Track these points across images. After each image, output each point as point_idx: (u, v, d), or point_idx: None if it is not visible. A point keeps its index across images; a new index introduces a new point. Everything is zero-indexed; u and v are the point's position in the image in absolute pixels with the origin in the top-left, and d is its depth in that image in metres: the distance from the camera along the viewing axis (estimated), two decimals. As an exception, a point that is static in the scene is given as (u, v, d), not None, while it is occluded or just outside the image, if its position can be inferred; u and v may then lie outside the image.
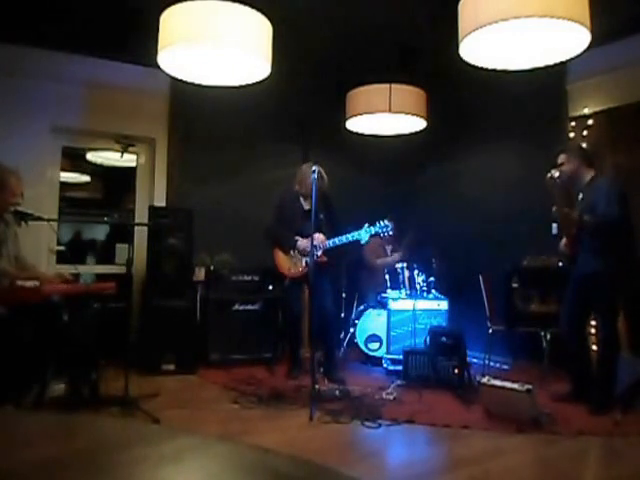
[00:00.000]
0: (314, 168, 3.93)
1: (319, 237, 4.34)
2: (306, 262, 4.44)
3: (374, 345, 5.18)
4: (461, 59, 3.22)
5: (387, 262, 5.57)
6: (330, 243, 4.41)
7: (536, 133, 5.17)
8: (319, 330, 4.32)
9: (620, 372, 3.70)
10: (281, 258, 4.60)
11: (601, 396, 3.64)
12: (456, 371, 4.23)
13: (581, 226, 3.68)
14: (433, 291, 5.17)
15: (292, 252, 4.53)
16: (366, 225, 4.39)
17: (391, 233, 4.42)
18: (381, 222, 4.39)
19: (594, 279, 3.69)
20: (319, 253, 4.38)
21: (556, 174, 3.83)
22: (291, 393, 4.00)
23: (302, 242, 4.45)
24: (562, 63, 3.35)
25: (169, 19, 3.23)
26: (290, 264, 4.55)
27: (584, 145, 4.65)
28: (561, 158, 3.92)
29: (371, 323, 5.24)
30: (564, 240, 3.96)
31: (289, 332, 4.83)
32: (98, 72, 5.18)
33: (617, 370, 3.69)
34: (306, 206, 4.56)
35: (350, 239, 4.39)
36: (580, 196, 3.89)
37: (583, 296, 3.80)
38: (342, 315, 5.53)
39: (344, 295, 5.63)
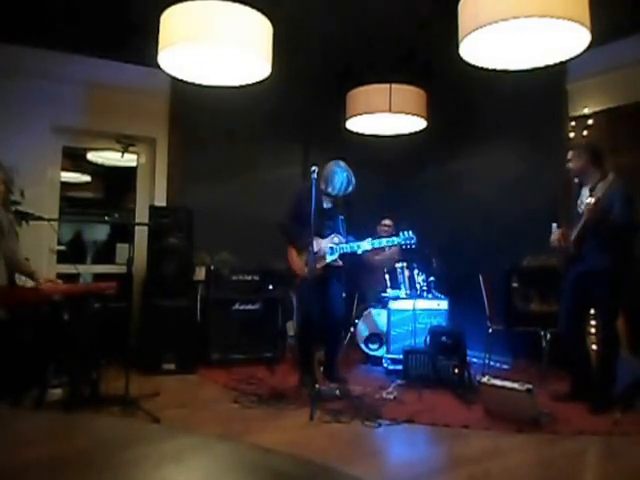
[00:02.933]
0: (313, 168, 3.93)
1: (338, 241, 4.37)
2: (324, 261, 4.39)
3: (374, 345, 5.19)
4: (461, 59, 3.22)
5: (386, 257, 5.57)
6: (365, 245, 4.34)
7: (536, 133, 5.17)
8: (324, 331, 4.31)
9: (620, 372, 3.70)
10: (295, 257, 4.42)
11: (601, 395, 3.65)
12: (456, 371, 4.23)
13: (597, 221, 3.62)
14: (433, 291, 5.17)
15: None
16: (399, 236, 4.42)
17: (414, 246, 4.40)
18: (405, 233, 4.39)
19: (596, 277, 3.70)
20: (335, 257, 4.34)
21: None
22: (291, 393, 4.00)
23: (317, 243, 4.24)
24: (562, 63, 3.36)
25: (169, 19, 3.23)
26: (304, 263, 4.39)
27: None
28: (569, 154, 3.91)
29: (371, 323, 5.24)
30: (557, 232, 3.92)
31: (302, 336, 4.58)
32: (98, 72, 5.18)
33: (617, 369, 3.69)
34: (326, 204, 4.48)
35: (389, 244, 4.47)
36: (586, 193, 3.82)
37: (583, 294, 3.80)
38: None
39: (344, 295, 5.63)
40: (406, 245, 4.39)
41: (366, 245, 4.35)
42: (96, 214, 6.20)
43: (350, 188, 4.44)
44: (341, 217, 4.44)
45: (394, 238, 4.45)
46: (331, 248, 4.35)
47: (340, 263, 4.38)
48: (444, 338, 4.36)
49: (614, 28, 4.16)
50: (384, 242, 4.46)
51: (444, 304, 5.03)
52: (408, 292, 5.17)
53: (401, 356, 4.54)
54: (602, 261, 3.68)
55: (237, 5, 3.18)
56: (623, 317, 3.95)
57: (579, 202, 3.87)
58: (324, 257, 4.33)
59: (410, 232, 4.39)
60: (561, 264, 3.99)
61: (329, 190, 4.40)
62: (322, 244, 4.35)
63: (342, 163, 4.47)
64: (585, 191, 3.86)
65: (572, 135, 4.88)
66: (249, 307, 5.19)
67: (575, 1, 2.76)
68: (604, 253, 3.68)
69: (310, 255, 4.03)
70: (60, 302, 3.51)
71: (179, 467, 0.83)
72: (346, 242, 4.37)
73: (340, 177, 4.38)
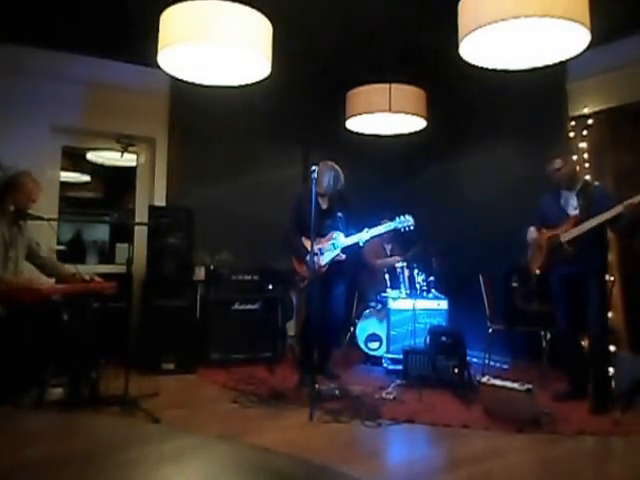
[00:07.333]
0: (313, 168, 3.94)
1: (339, 236, 4.40)
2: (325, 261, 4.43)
3: (374, 344, 5.19)
4: (461, 59, 3.22)
5: (387, 263, 5.57)
6: (365, 236, 4.39)
7: (536, 133, 5.17)
8: (323, 329, 4.32)
9: (620, 371, 3.71)
10: (297, 264, 4.50)
11: (601, 394, 3.65)
12: (456, 371, 4.23)
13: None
14: (433, 290, 5.16)
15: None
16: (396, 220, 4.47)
17: (412, 228, 4.44)
18: (401, 217, 4.44)
19: (592, 275, 3.76)
20: (338, 252, 4.38)
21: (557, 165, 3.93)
22: (291, 393, 4.00)
23: (317, 245, 4.32)
24: (562, 63, 3.35)
25: (169, 19, 3.23)
26: (305, 269, 4.44)
27: (584, 145, 4.70)
28: (558, 163, 3.95)
29: (371, 322, 5.24)
30: (534, 231, 4.05)
31: (305, 335, 4.60)
32: (98, 72, 5.18)
33: (613, 365, 3.71)
34: (324, 205, 4.53)
35: (388, 229, 4.47)
36: (572, 196, 3.93)
37: (578, 294, 3.83)
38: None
39: (345, 293, 5.63)
40: (404, 228, 4.42)
41: (365, 235, 4.39)
42: (96, 214, 6.20)
43: (339, 184, 4.49)
44: (339, 214, 4.46)
45: (391, 223, 4.47)
46: (333, 244, 4.39)
47: (343, 257, 4.40)
48: (444, 338, 4.36)
49: (614, 28, 4.16)
50: (382, 228, 4.48)
51: (444, 304, 5.04)
52: (408, 292, 5.17)
53: (401, 356, 4.55)
54: (598, 260, 3.78)
55: (237, 5, 3.17)
56: (623, 316, 3.96)
57: (563, 203, 3.97)
58: (320, 263, 4.37)
59: (407, 215, 4.43)
60: (540, 264, 4.01)
61: (320, 190, 4.43)
62: (322, 245, 4.38)
63: (329, 162, 4.53)
64: (569, 194, 3.96)
65: (572, 135, 4.88)
66: (249, 307, 5.19)
67: (575, 1, 2.76)
68: (600, 252, 3.80)
69: (311, 255, 4.05)
70: (59, 302, 3.52)
71: (179, 467, 0.83)
72: (347, 236, 4.41)
73: (327, 175, 4.44)
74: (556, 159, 3.98)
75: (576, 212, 3.85)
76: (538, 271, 4.03)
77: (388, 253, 5.72)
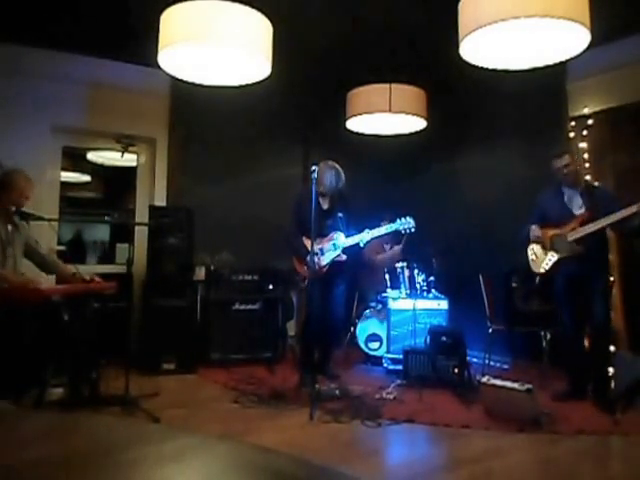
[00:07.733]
0: (313, 168, 3.94)
1: (339, 236, 4.41)
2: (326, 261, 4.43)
3: (374, 344, 5.19)
4: (461, 59, 3.22)
5: (388, 256, 5.56)
6: (366, 237, 4.39)
7: (536, 133, 5.17)
8: (323, 329, 4.32)
9: (620, 371, 3.70)
10: (298, 264, 4.51)
11: (603, 393, 3.65)
12: (456, 371, 4.23)
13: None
14: (433, 290, 5.16)
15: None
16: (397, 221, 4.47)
17: (413, 230, 4.43)
18: (402, 219, 4.44)
19: (597, 274, 3.77)
20: (339, 252, 4.39)
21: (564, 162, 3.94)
22: (291, 393, 4.00)
23: (318, 245, 4.33)
24: (562, 63, 3.35)
25: (169, 19, 3.23)
26: (306, 269, 4.45)
27: (584, 145, 4.70)
28: (566, 159, 3.94)
29: (371, 323, 5.24)
30: (537, 229, 4.02)
31: (305, 335, 4.61)
32: (98, 72, 5.18)
33: (613, 365, 3.72)
34: (324, 205, 4.54)
35: (388, 231, 4.47)
36: (576, 195, 3.93)
37: (582, 293, 3.83)
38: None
39: (346, 293, 5.62)
40: (404, 230, 4.42)
41: (365, 236, 4.40)
42: (96, 214, 6.20)
43: (340, 183, 4.50)
44: (340, 215, 4.47)
45: (392, 224, 4.48)
46: (333, 244, 4.40)
47: (343, 257, 4.41)
48: (444, 338, 4.36)
49: (614, 28, 4.16)
50: (382, 230, 4.48)
51: (444, 304, 5.03)
52: (408, 292, 5.17)
53: (401, 356, 4.55)
54: (602, 259, 3.81)
55: (237, 5, 3.18)
56: (623, 316, 3.96)
57: (566, 202, 3.97)
58: (321, 264, 4.37)
59: (408, 217, 4.44)
60: (551, 266, 4.00)
61: (321, 189, 4.43)
62: (323, 245, 4.38)
63: (330, 162, 4.54)
64: (573, 193, 3.96)
65: (572, 135, 4.88)
66: (249, 307, 5.19)
67: (575, 1, 2.76)
68: (603, 251, 3.82)
69: (312, 255, 4.05)
70: (60, 302, 3.52)
71: (179, 467, 0.84)
72: (347, 236, 4.42)
73: (329, 175, 4.45)
74: (564, 155, 3.96)
75: (582, 211, 3.85)
76: (542, 270, 4.01)
77: (387, 249, 5.71)
